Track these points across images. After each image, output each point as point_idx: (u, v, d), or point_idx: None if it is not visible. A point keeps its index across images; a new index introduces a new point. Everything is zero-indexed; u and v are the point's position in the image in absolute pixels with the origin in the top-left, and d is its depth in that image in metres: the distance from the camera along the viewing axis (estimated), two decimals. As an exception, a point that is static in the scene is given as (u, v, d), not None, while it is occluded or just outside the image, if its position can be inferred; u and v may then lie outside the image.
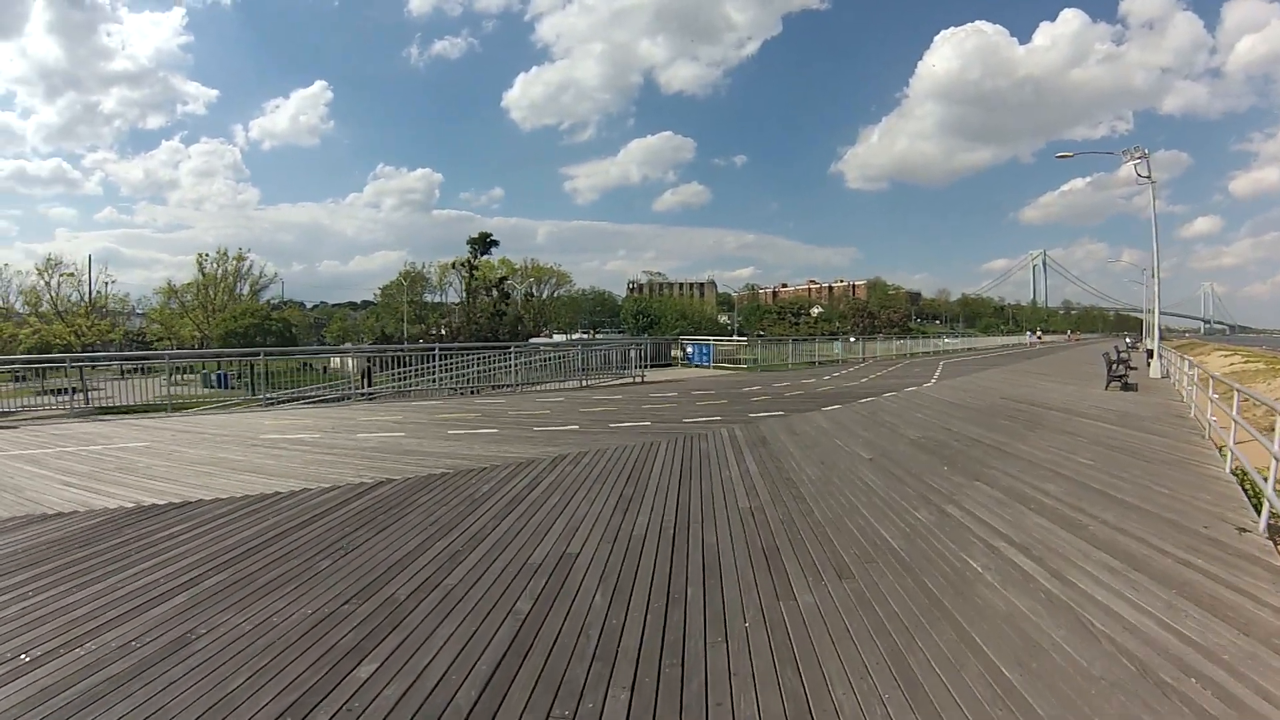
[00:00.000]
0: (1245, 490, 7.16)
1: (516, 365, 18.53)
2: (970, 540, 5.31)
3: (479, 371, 18.11)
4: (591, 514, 6.03)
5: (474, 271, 34.18)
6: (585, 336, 60.76)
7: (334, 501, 6.33)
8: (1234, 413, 7.99)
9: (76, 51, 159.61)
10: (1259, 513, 5.93)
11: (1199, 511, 6.23)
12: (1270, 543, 5.37)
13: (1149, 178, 22.68)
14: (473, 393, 17.41)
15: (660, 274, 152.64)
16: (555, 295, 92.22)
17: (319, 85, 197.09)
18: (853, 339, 42.51)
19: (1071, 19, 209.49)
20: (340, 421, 12.21)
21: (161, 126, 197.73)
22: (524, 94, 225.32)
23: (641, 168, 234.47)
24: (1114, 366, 17.93)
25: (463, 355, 18.23)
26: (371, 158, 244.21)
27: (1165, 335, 55.41)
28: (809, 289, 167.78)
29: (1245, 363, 36.84)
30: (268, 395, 15.84)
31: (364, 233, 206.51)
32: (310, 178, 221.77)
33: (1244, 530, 5.67)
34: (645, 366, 22.32)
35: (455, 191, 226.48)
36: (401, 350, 19.25)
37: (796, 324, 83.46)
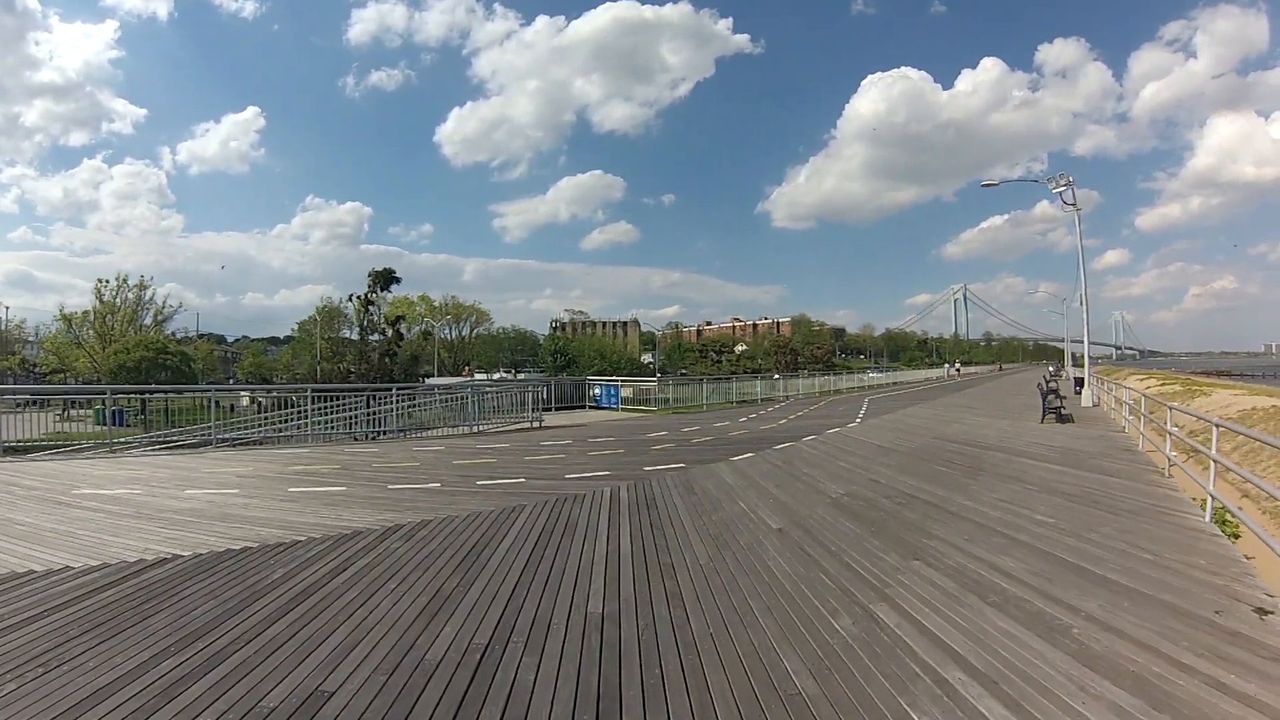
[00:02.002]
0: (1226, 534, 5.82)
1: (400, 409, 17.18)
2: (910, 671, 3.62)
3: (358, 416, 16.54)
4: (386, 621, 4.43)
5: (369, 308, 31.98)
6: (507, 375, 59.44)
7: (88, 587, 5.02)
8: (1213, 450, 6.74)
9: (3, 59, 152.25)
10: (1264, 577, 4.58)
11: (1199, 586, 4.84)
12: None
13: (1074, 205, 22.83)
14: (355, 439, 16.02)
15: (583, 313, 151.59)
16: (475, 334, 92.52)
17: (251, 111, 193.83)
18: (776, 376, 41.63)
19: (991, 67, 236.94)
20: (179, 473, 10.54)
21: (85, 144, 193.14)
22: (457, 129, 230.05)
23: (571, 206, 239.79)
24: (1048, 398, 17.10)
25: (340, 398, 16.67)
26: (301, 188, 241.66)
27: (1081, 362, 57.18)
28: (733, 327, 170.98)
29: (1162, 385, 37.60)
30: (123, 440, 14.54)
31: (291, 265, 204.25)
32: (238, 206, 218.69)
33: (1265, 612, 4.31)
34: (545, 410, 21.17)
35: (385, 226, 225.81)
36: (266, 390, 17.58)
37: (719, 362, 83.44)
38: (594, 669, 3.73)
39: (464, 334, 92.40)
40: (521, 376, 53.09)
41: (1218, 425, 7.05)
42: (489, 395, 19.85)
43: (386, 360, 30.34)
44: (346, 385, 20.03)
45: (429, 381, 33.34)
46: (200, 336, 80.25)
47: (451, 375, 56.95)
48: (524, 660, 3.86)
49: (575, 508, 7.78)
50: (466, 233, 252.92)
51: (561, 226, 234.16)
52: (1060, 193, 22.41)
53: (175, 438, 14.88)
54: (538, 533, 6.66)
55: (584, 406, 28.64)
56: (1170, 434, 9.14)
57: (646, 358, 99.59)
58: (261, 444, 15.22)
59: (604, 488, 8.93)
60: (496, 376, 57.36)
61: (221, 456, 12.57)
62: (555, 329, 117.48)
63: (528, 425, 19.20)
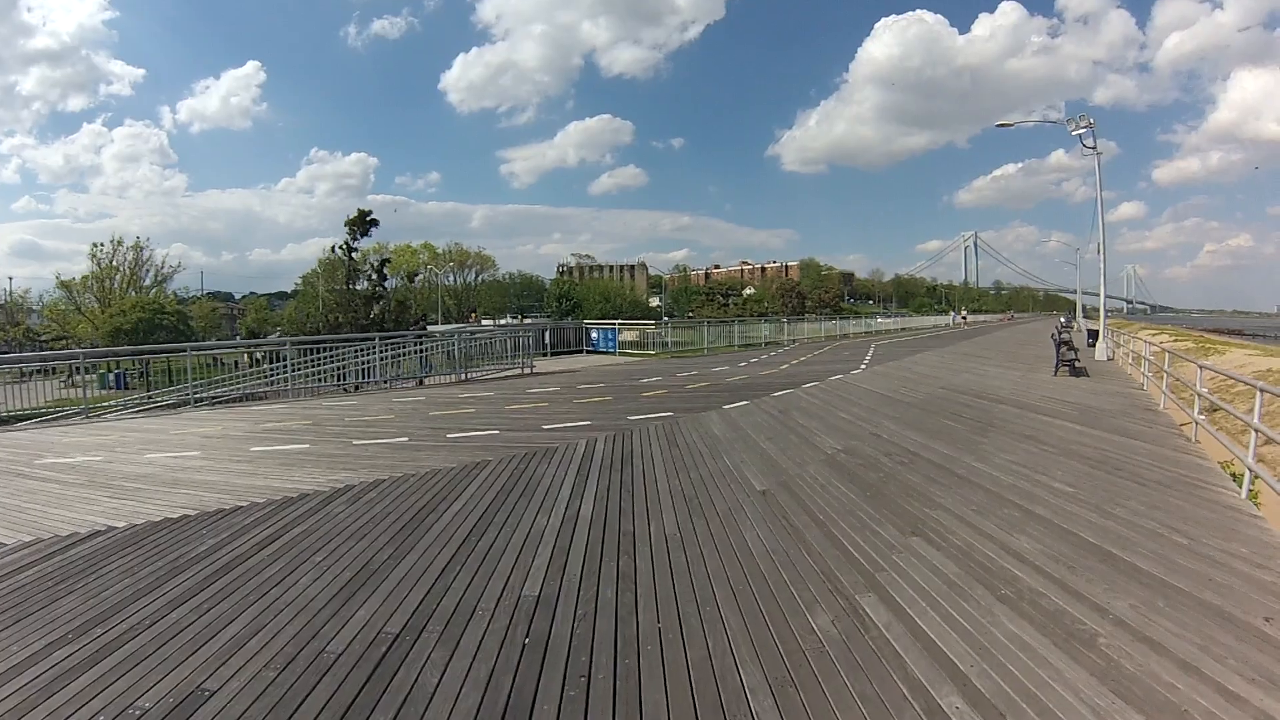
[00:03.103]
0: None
1: (384, 359, 16.25)
2: (896, 694, 2.92)
3: (342, 367, 15.76)
4: (298, 602, 3.95)
5: (352, 255, 30.87)
6: (514, 321, 58.41)
7: (9, 567, 4.65)
8: (1255, 417, 5.92)
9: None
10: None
11: (1243, 582, 4.10)
12: None
13: (1094, 148, 21.52)
14: (345, 391, 15.42)
15: (589, 257, 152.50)
16: (480, 280, 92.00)
17: (252, 65, 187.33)
18: (782, 320, 40.72)
19: (1010, 11, 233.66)
20: (147, 436, 9.85)
21: (84, 108, 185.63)
22: (463, 76, 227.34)
23: (579, 151, 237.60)
24: (1061, 350, 16.20)
25: (323, 350, 15.73)
26: (305, 141, 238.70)
27: (1091, 314, 55.82)
28: (741, 270, 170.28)
29: (1174, 341, 36.60)
30: (105, 405, 14.13)
31: (297, 219, 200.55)
32: (241, 162, 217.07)
33: None
34: (541, 355, 20.71)
35: (391, 176, 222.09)
36: (242, 347, 16.89)
37: (725, 305, 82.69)
38: (509, 672, 3.08)
39: (469, 281, 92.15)
40: (528, 322, 51.78)
41: (1262, 390, 6.19)
42: (479, 342, 19.25)
43: (373, 307, 29.42)
44: (328, 337, 19.18)
45: (431, 329, 32.29)
46: (207, 295, 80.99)
47: (457, 322, 56.89)
48: (433, 656, 3.22)
49: (542, 464, 7.22)
50: (474, 180, 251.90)
51: (570, 171, 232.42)
52: (1080, 135, 21.17)
53: (160, 399, 14.40)
54: (494, 494, 6.12)
55: (582, 351, 28.07)
56: (1199, 395, 8.29)
57: (654, 301, 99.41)
58: (243, 401, 14.69)
59: (580, 440, 8.38)
60: (504, 322, 56.65)
61: (198, 416, 11.86)
62: (562, 273, 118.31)
63: (519, 372, 18.66)
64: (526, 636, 3.40)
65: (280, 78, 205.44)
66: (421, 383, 16.79)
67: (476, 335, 19.96)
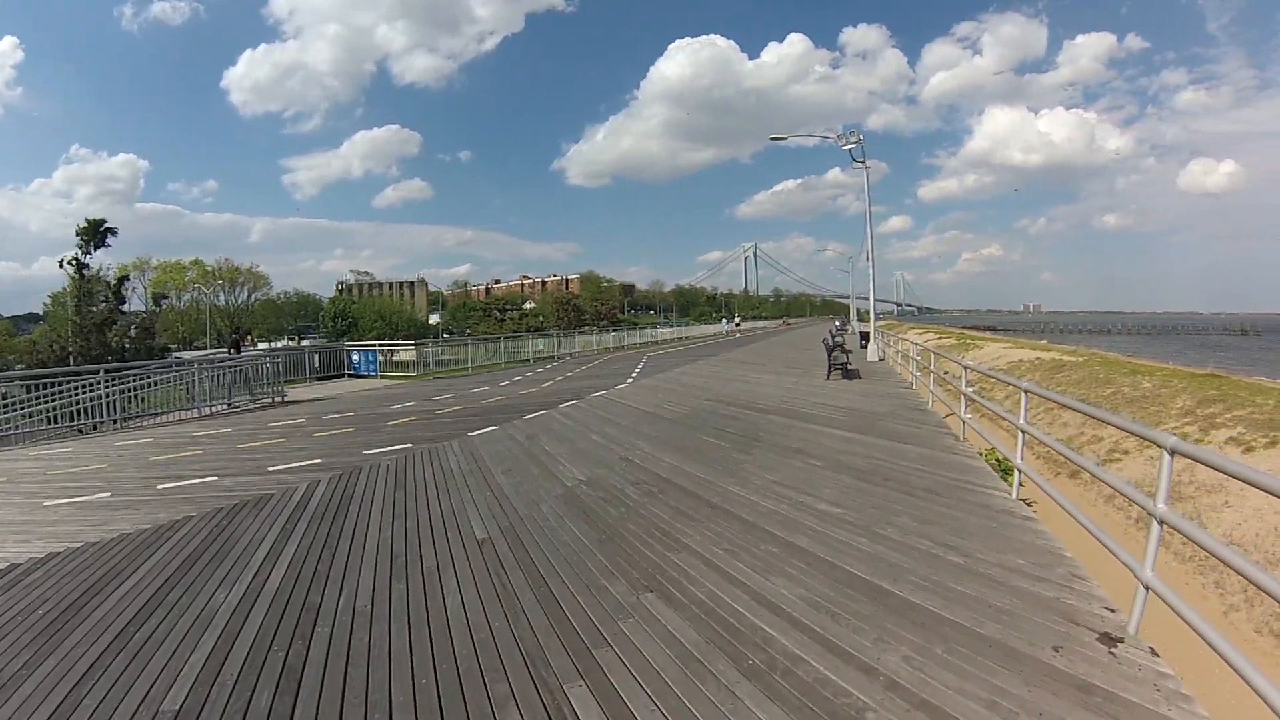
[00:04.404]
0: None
1: (110, 395, 15.15)
2: None
3: (67, 406, 14.51)
4: None
5: (84, 272, 26.74)
6: (290, 344, 60.11)
7: None
8: (1022, 418, 6.08)
9: None
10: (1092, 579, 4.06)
11: (1026, 604, 3.93)
12: (1157, 659, 3.32)
13: (863, 162, 24.42)
14: (81, 431, 14.41)
15: (369, 274, 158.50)
16: (254, 299, 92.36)
17: (8, 42, 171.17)
18: (557, 333, 40.83)
19: (797, 42, 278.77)
20: None
21: None
22: (249, 74, 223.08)
23: (365, 161, 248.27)
24: (833, 354, 17.16)
25: (48, 386, 14.51)
26: (65, 136, 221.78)
27: (864, 318, 62.44)
28: (523, 285, 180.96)
29: (939, 339, 41.67)
30: None
31: (52, 228, 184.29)
32: None
33: (1113, 640, 3.48)
34: (300, 381, 21.33)
35: (163, 182, 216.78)
36: None
37: (503, 321, 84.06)
38: None
39: (242, 300, 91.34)
40: (305, 344, 52.94)
41: (1027, 391, 6.39)
42: (223, 371, 18.54)
43: (107, 333, 26.11)
44: (48, 371, 16.88)
45: (185, 356, 29.78)
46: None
47: (228, 346, 52.59)
48: None
49: (249, 518, 6.70)
50: (255, 190, 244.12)
51: (354, 183, 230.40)
52: (850, 150, 24.17)
53: None
54: (179, 562, 5.48)
55: (343, 375, 27.57)
56: (964, 395, 8.73)
57: (434, 318, 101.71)
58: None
59: (301, 484, 7.98)
60: (279, 345, 57.76)
61: None
62: (341, 291, 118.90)
63: (269, 402, 18.61)
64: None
65: (41, 58, 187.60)
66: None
67: (220, 364, 18.96)
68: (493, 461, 8.58)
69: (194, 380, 17.40)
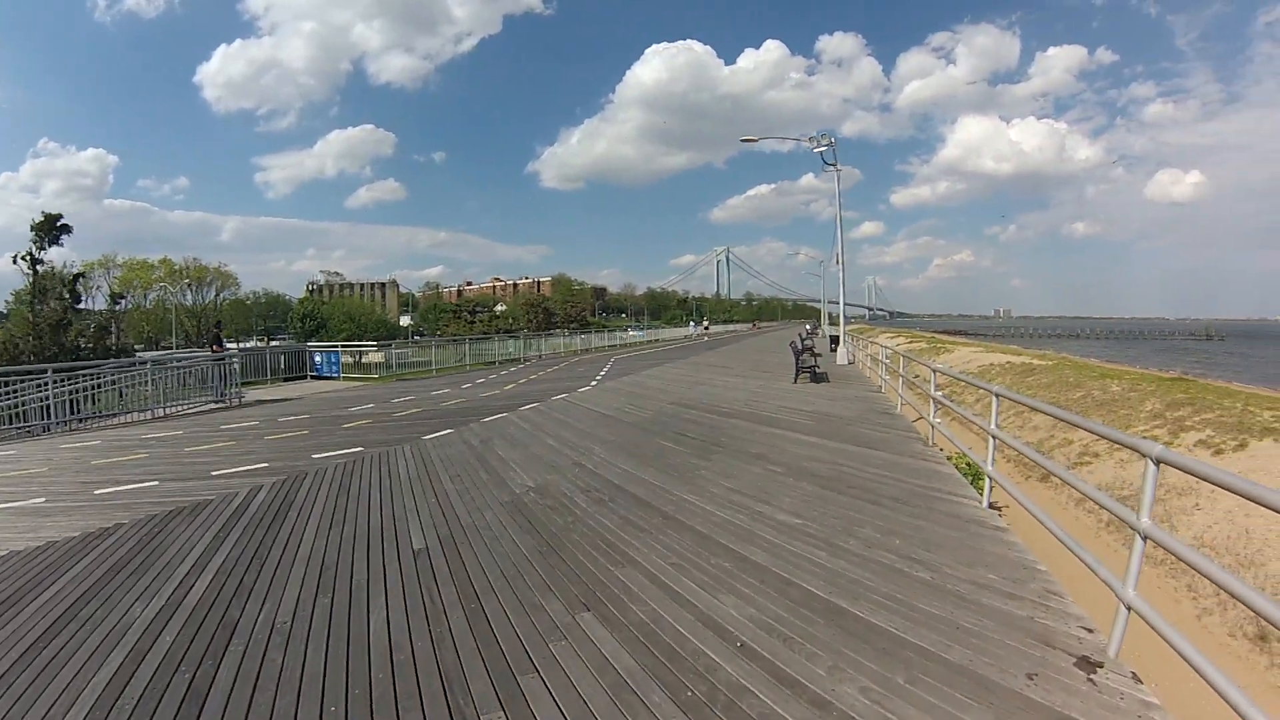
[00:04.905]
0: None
1: (60, 396, 14.77)
2: None
3: (6, 409, 14.11)
4: None
5: (38, 268, 26.04)
6: (260, 344, 60.01)
7: None
8: (993, 423, 5.80)
9: None
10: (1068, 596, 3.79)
11: (998, 624, 3.62)
12: (1140, 686, 3.04)
13: (835, 164, 24.51)
14: (32, 434, 13.91)
15: (339, 274, 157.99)
16: (222, 299, 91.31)
17: None
18: (524, 335, 40.42)
19: (774, 49, 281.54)
20: None
21: None
22: (223, 70, 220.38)
23: (339, 161, 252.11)
24: (801, 357, 16.91)
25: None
26: (34, 129, 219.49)
27: (836, 322, 62.66)
28: (495, 287, 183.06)
29: (909, 343, 41.82)
30: None
31: (19, 223, 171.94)
32: None
33: (1093, 665, 3.20)
34: (259, 382, 21.15)
35: (133, 178, 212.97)
36: None
37: (473, 323, 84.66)
38: None
39: (210, 300, 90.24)
40: (275, 344, 53.16)
41: (998, 395, 6.09)
42: (177, 371, 18.20)
43: (62, 333, 25.55)
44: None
45: (147, 356, 29.01)
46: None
47: (197, 347, 56.30)
48: None
49: (182, 525, 6.34)
50: (226, 188, 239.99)
51: (327, 183, 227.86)
52: (822, 152, 24.26)
53: None
54: (101, 573, 5.14)
55: (306, 377, 27.12)
56: (933, 399, 8.44)
57: (405, 319, 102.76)
58: None
59: (243, 489, 7.66)
60: (249, 345, 57.83)
61: None
62: (311, 292, 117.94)
63: (225, 404, 18.08)
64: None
65: (8, 48, 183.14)
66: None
67: (172, 365, 18.63)
68: (443, 466, 8.23)
69: (147, 381, 16.98)
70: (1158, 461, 3.15)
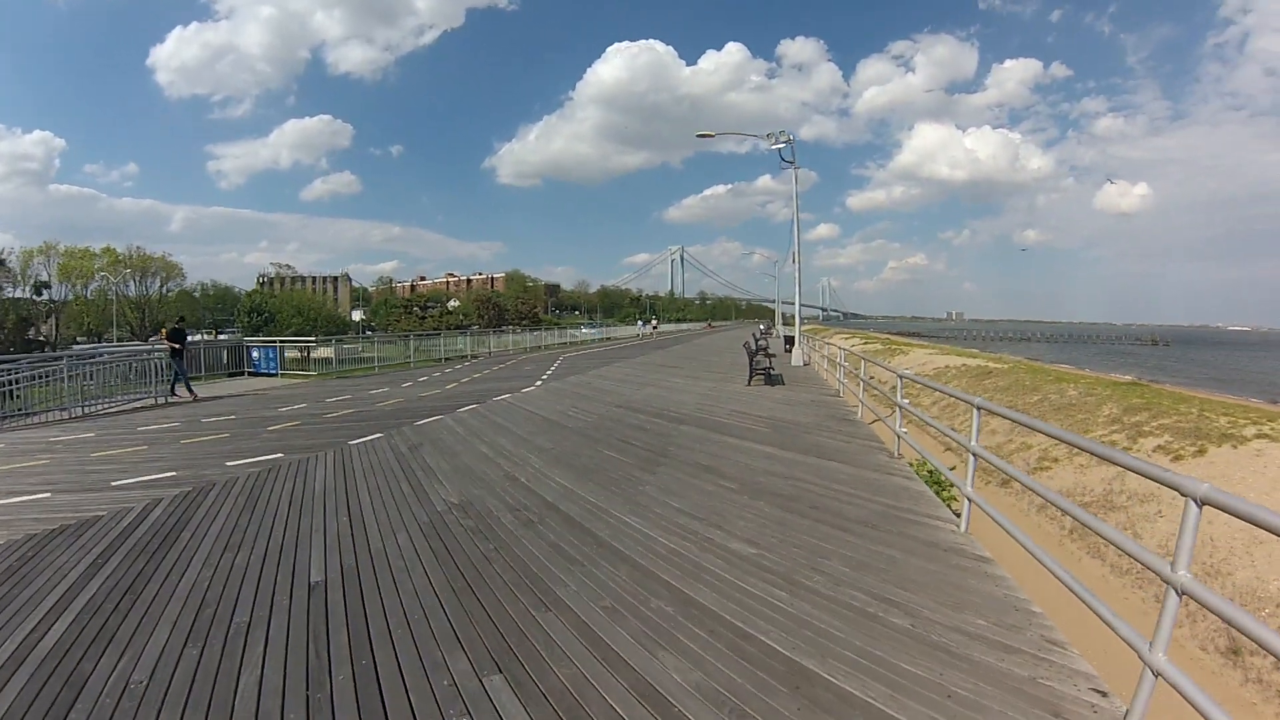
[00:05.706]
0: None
1: None
2: None
3: None
4: None
5: None
6: (207, 337, 58.14)
7: None
8: (974, 439, 5.21)
9: None
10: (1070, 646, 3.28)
11: (994, 684, 3.04)
12: None
13: (792, 162, 24.26)
14: None
15: (290, 267, 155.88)
16: (167, 291, 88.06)
17: None
18: (473, 332, 39.53)
19: (735, 51, 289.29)
20: None
21: None
22: (177, 54, 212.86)
23: (294, 152, 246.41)
24: (755, 358, 16.37)
25: None
26: None
27: (790, 322, 63.03)
28: (448, 282, 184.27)
29: (864, 344, 41.89)
30: None
31: None
32: None
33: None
34: (195, 379, 20.25)
35: (80, 163, 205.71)
36: None
37: (424, 319, 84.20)
38: None
39: (155, 291, 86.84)
40: (223, 338, 51.87)
41: (980, 409, 5.45)
42: (100, 366, 17.20)
43: None
44: None
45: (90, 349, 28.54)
46: None
47: (139, 339, 55.00)
48: None
49: (59, 549, 5.56)
50: (177, 176, 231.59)
51: (282, 174, 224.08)
52: (779, 149, 24.08)
53: None
54: None
55: (244, 373, 26.14)
56: (899, 407, 7.84)
57: (357, 314, 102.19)
58: None
59: (138, 505, 6.88)
60: (193, 339, 52.49)
61: None
62: (261, 284, 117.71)
63: (153, 402, 17.16)
64: None
65: None
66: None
67: (95, 360, 17.62)
68: (363, 477, 7.53)
69: (64, 378, 15.79)
70: (1201, 503, 2.54)
